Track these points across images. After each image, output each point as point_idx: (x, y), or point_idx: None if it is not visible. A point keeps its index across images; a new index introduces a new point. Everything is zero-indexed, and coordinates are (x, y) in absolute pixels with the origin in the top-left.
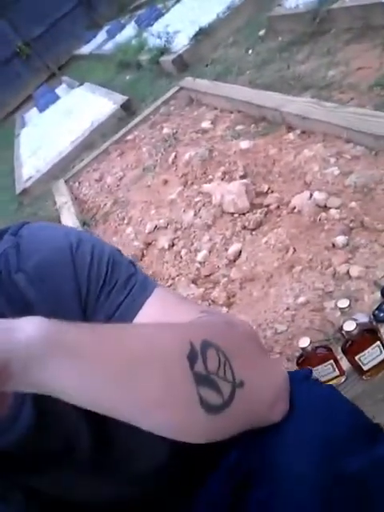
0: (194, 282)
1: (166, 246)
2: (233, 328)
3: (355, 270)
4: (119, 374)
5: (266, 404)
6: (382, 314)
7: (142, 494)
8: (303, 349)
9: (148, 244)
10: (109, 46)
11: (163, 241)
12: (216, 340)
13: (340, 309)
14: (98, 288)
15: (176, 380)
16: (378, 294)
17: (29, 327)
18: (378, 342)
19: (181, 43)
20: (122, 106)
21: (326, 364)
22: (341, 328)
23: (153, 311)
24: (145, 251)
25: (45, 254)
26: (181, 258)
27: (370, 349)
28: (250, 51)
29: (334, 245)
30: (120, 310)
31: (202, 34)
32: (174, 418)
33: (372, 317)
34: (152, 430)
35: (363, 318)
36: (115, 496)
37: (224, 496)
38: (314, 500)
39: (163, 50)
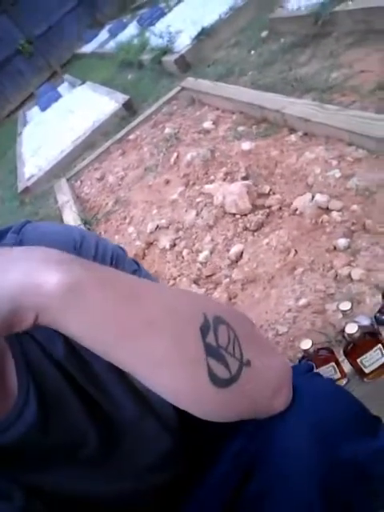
0: (195, 282)
1: (168, 246)
2: (240, 313)
3: (357, 273)
4: (130, 333)
5: (270, 388)
6: (383, 317)
7: (146, 487)
8: (305, 351)
9: (150, 244)
10: (111, 45)
11: (165, 241)
12: (227, 318)
13: (342, 311)
14: None
15: (186, 345)
16: (380, 297)
17: (53, 280)
18: (380, 345)
19: (183, 43)
20: (123, 105)
21: (327, 366)
22: (343, 330)
23: None
24: (146, 251)
25: None
26: (182, 258)
27: (371, 352)
28: (252, 52)
29: (335, 247)
30: None
31: (204, 35)
32: (180, 380)
33: (374, 319)
34: (158, 391)
35: (365, 321)
36: (118, 491)
37: (228, 481)
38: (313, 486)
39: (165, 50)
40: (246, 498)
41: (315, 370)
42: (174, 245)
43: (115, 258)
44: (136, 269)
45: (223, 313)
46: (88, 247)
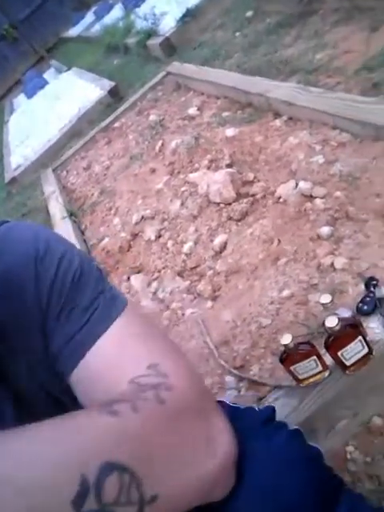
0: (179, 274)
1: (153, 238)
2: (162, 410)
3: (339, 262)
4: None
5: (196, 497)
6: (365, 307)
7: None
8: (285, 346)
9: (135, 235)
10: (96, 27)
11: (150, 232)
12: (125, 451)
13: (322, 304)
14: (59, 305)
15: None
16: (362, 286)
17: None
18: (360, 337)
19: (168, 25)
20: (109, 91)
21: (308, 360)
22: (323, 323)
23: (108, 346)
24: (132, 242)
25: (9, 263)
26: (167, 249)
27: (352, 344)
28: (238, 34)
29: (318, 236)
30: (77, 338)
31: (189, 16)
32: None
33: (355, 310)
34: None
35: (345, 313)
36: None
37: None
38: None
39: (150, 33)
40: None
41: (296, 365)
42: (159, 236)
43: (78, 276)
44: (99, 292)
45: (120, 444)
46: (50, 263)
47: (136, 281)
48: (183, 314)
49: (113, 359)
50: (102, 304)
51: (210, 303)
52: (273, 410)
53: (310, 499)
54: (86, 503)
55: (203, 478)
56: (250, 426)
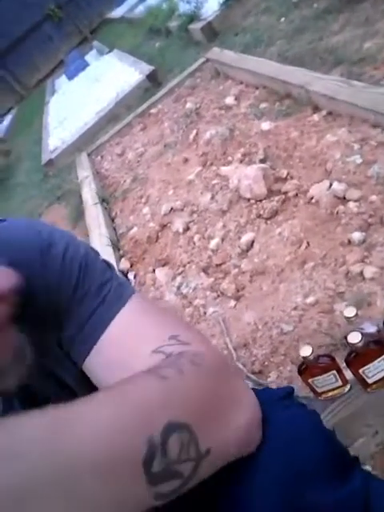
0: (204, 270)
1: (181, 230)
2: (200, 371)
3: (369, 271)
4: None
5: (235, 449)
6: None
7: None
8: (305, 358)
9: (163, 226)
10: (140, 9)
11: (178, 224)
12: (182, 410)
13: (346, 318)
14: (69, 292)
15: (128, 499)
16: None
17: None
18: None
19: (211, 9)
20: (147, 76)
21: (328, 374)
22: (346, 338)
23: (124, 324)
24: (160, 233)
25: (14, 256)
26: (194, 243)
27: (375, 362)
28: (283, 19)
29: (349, 241)
30: (93, 319)
31: (232, 0)
32: None
33: (381, 325)
34: None
35: (370, 328)
36: None
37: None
38: None
39: (193, 16)
40: None
41: (315, 378)
42: (187, 229)
43: (84, 265)
44: (107, 279)
45: (177, 405)
46: (55, 255)
47: (161, 274)
48: (205, 312)
49: (132, 333)
50: (112, 289)
51: (232, 303)
52: (292, 389)
53: (325, 466)
54: (154, 463)
55: (242, 429)
56: (269, 399)
